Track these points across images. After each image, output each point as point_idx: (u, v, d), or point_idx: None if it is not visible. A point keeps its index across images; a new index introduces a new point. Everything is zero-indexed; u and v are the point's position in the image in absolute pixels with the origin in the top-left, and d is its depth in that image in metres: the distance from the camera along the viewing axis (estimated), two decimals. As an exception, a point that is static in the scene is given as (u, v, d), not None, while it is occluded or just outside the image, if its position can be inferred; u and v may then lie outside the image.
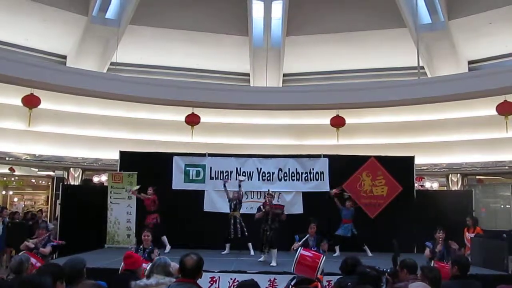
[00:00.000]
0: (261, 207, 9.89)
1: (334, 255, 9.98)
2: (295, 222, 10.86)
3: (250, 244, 10.87)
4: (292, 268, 5.78)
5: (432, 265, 6.64)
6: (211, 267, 8.09)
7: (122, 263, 5.41)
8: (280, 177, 12.34)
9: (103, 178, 14.98)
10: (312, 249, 7.20)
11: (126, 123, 15.09)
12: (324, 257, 5.90)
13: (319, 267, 5.52)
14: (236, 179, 12.15)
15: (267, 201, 9.84)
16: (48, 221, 14.00)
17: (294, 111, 15.04)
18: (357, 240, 10.83)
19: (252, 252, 10.58)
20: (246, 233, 10.72)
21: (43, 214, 14.58)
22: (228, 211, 11.13)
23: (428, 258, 7.89)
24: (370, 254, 10.77)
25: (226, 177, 11.76)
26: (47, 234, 8.09)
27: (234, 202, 10.83)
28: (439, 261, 7.25)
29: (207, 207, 12.17)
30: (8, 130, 13.81)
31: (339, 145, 14.20)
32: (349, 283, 3.89)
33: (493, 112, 12.53)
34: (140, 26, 16.25)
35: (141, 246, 7.51)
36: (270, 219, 9.60)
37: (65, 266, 3.96)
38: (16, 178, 17.34)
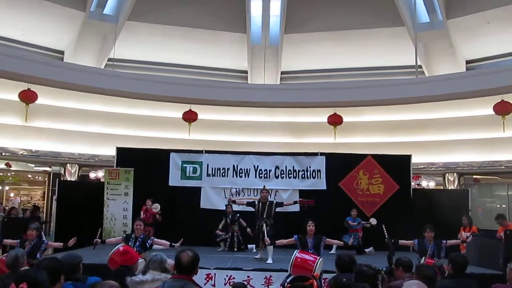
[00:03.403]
0: (256, 202, 9.92)
1: (330, 252, 10.00)
2: (291, 220, 10.90)
3: (249, 245, 10.92)
4: (289, 270, 5.81)
5: (423, 262, 6.68)
6: (207, 264, 8.11)
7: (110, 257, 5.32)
8: (277, 175, 12.38)
9: (100, 174, 14.96)
10: (309, 251, 7.20)
11: (123, 120, 15.05)
12: (321, 259, 5.92)
13: (315, 269, 5.55)
14: (233, 176, 12.24)
15: (263, 196, 9.89)
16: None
17: (291, 109, 15.01)
18: (360, 249, 10.90)
19: (254, 249, 10.58)
20: (242, 246, 10.85)
21: (40, 210, 14.54)
22: (224, 208, 11.21)
23: (409, 246, 8.10)
24: (373, 252, 10.90)
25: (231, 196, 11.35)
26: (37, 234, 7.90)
27: (230, 216, 10.92)
28: (430, 259, 7.29)
29: (203, 204, 12.20)
30: (4, 125, 13.77)
31: (336, 143, 14.21)
32: (345, 279, 3.90)
33: (490, 111, 12.55)
34: (138, 22, 16.17)
35: (132, 235, 7.49)
36: (265, 215, 9.62)
37: (62, 261, 3.96)
38: (13, 173, 17.30)
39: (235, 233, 10.92)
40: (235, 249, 10.82)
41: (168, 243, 7.29)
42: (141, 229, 7.58)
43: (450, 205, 12.19)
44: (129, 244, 7.15)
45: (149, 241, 7.35)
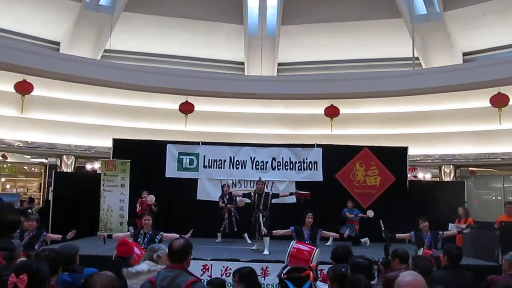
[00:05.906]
0: (252, 193, 9.92)
1: (326, 244, 10.02)
2: (288, 212, 10.90)
3: (245, 234, 10.93)
4: (285, 260, 5.82)
5: (421, 253, 6.69)
6: (204, 255, 8.13)
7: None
8: (273, 166, 12.37)
9: (96, 165, 14.93)
10: (306, 242, 7.20)
11: (119, 111, 15.00)
12: (318, 249, 5.93)
13: (312, 260, 5.57)
14: (230, 167, 12.23)
15: (259, 188, 9.88)
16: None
17: (288, 100, 15.01)
18: (356, 241, 10.93)
19: (249, 241, 10.61)
20: (235, 229, 10.83)
21: (35, 201, 14.50)
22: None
23: (405, 239, 8.12)
24: (368, 243, 10.92)
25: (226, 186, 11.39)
26: (37, 225, 7.82)
27: (227, 196, 10.88)
28: (428, 249, 7.31)
29: (200, 196, 12.20)
30: (0, 116, 13.71)
31: (333, 135, 14.21)
32: (343, 269, 3.91)
33: (487, 103, 12.57)
34: (134, 13, 16.09)
35: (141, 231, 7.33)
36: (262, 206, 9.62)
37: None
38: (9, 165, 17.23)
39: (232, 213, 10.90)
40: (235, 229, 10.81)
41: (178, 235, 7.06)
42: (149, 224, 7.23)
43: (446, 197, 12.22)
44: (138, 240, 6.95)
45: (158, 236, 7.10)
